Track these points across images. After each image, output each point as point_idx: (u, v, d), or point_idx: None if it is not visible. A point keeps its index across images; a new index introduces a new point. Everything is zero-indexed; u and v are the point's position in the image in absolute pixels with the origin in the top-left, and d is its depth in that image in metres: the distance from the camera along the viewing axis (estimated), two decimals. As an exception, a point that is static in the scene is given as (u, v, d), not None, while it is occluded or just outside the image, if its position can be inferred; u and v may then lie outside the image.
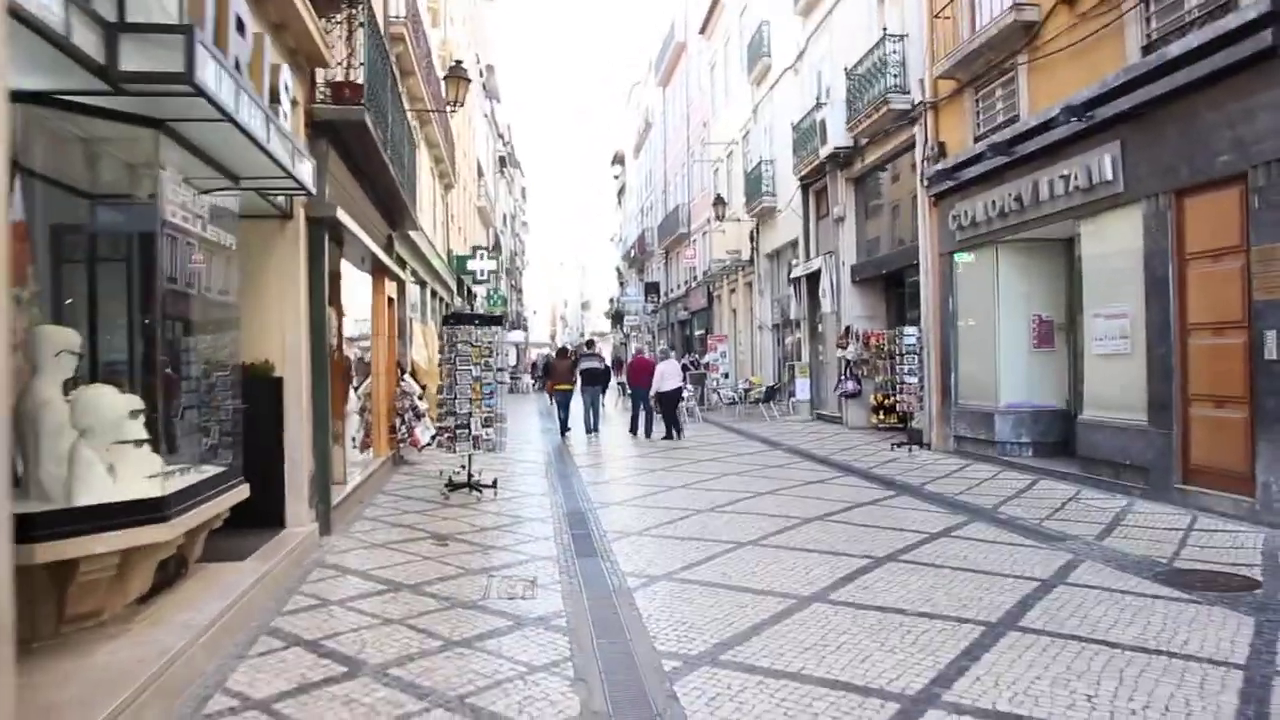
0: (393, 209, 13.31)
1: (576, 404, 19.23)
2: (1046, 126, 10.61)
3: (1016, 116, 11.70)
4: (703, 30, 34.15)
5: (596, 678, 4.55)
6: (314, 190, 6.99)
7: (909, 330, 14.49)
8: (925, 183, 14.11)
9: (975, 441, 12.91)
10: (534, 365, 44.05)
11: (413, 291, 19.12)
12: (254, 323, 7.49)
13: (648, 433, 18.13)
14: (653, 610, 5.74)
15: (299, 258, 7.72)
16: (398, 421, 13.60)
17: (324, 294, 8.26)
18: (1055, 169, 10.59)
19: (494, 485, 10.86)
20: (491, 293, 45.27)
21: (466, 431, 10.50)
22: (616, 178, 71.63)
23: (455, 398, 10.45)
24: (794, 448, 15.32)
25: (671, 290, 44.65)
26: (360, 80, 8.77)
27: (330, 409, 8.70)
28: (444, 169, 24.87)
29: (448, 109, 16.36)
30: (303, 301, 7.76)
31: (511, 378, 45.31)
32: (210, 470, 5.73)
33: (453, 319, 11.00)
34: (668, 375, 17.71)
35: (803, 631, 5.20)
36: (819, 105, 19.04)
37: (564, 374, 19.28)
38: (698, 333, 37.80)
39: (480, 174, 44.84)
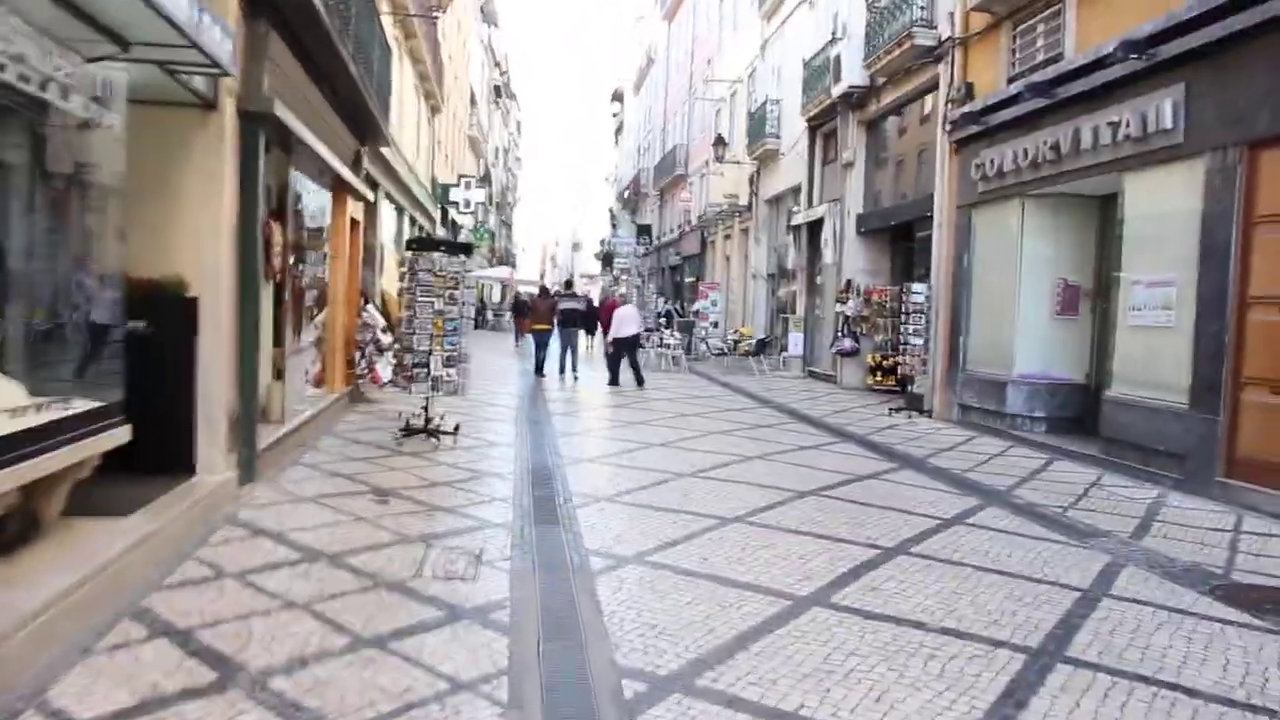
0: (360, 121, 12.02)
1: (555, 346, 18.50)
2: (1096, 66, 9.43)
3: (1060, 55, 10.48)
4: (713, -40, 32.41)
5: (536, 706, 3.53)
6: (232, 70, 5.76)
7: (917, 287, 13.40)
8: (948, 127, 12.89)
9: (982, 412, 11.90)
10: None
11: (387, 216, 17.86)
12: (164, 231, 6.33)
13: (613, 380, 17.03)
14: (617, 605, 4.71)
15: (224, 157, 6.51)
16: (357, 355, 12.48)
17: (257, 204, 7.06)
18: (1103, 114, 9.42)
19: (454, 432, 9.80)
20: (478, 225, 43.85)
21: (425, 371, 9.38)
22: (615, 115, 69.61)
23: (414, 333, 9.31)
24: (785, 406, 14.30)
25: (664, 234, 43.33)
26: (312, -47, 7.47)
27: (262, 336, 7.57)
28: (430, 89, 23.39)
29: (434, 13, 14.83)
30: (227, 209, 6.58)
31: (494, 314, 44.24)
32: (75, 406, 4.60)
33: (415, 244, 9.80)
34: (625, 320, 16.88)
35: (800, 647, 4.18)
36: (834, 41, 17.68)
37: (543, 314, 18.66)
38: (689, 280, 36.62)
39: (473, 102, 43.10)
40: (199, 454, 6.40)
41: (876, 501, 7.47)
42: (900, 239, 16.63)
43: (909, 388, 14.21)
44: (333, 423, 10.57)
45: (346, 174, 10.46)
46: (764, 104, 23.40)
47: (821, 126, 19.36)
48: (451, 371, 9.55)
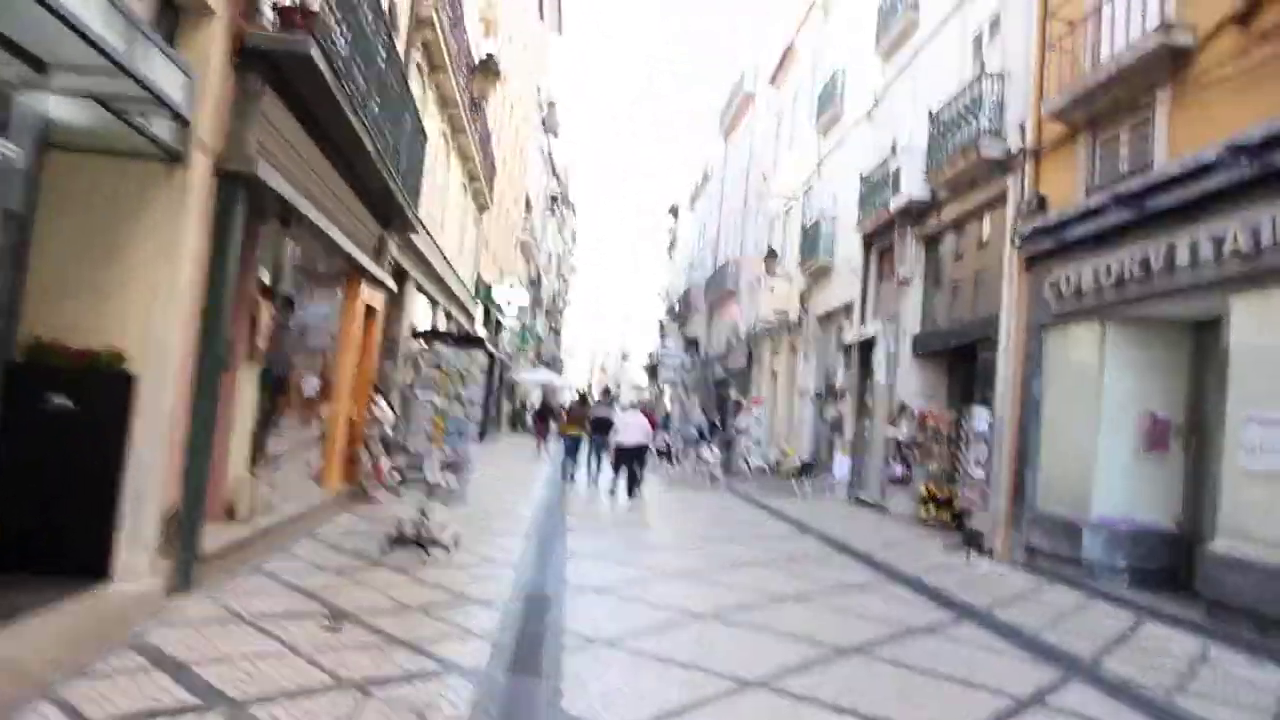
0: (385, 206, 11.35)
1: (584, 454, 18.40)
2: (1194, 175, 8.38)
3: (1148, 164, 9.47)
4: (773, 80, 32.45)
5: None
6: (185, 113, 4.98)
7: (980, 412, 12.13)
8: (1017, 242, 11.86)
9: (1053, 557, 10.45)
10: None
11: (419, 309, 17.19)
12: (111, 297, 5.48)
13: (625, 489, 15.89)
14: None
15: (188, 218, 5.66)
16: (363, 452, 11.52)
17: (228, 275, 6.19)
18: (1203, 228, 8.32)
19: (449, 546, 8.66)
20: (524, 327, 43.52)
21: (419, 475, 8.33)
22: (670, 230, 70.07)
23: (409, 430, 8.31)
24: (828, 535, 12.92)
25: (712, 348, 42.49)
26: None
27: (238, 424, 6.62)
28: (478, 187, 23.11)
29: (471, 104, 14.39)
30: (186, 278, 5.70)
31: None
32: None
33: (423, 335, 8.90)
34: (629, 428, 15.97)
35: None
36: (894, 153, 16.93)
37: (578, 419, 18.87)
38: (734, 396, 35.46)
39: (529, 207, 43.40)
40: (118, 556, 5.35)
41: (932, 666, 6.12)
42: (959, 362, 15.43)
43: (966, 523, 12.78)
44: (319, 524, 9.50)
45: (356, 254, 9.69)
46: (818, 221, 22.69)
47: (877, 242, 18.48)
48: (451, 478, 8.48)
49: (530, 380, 43.02)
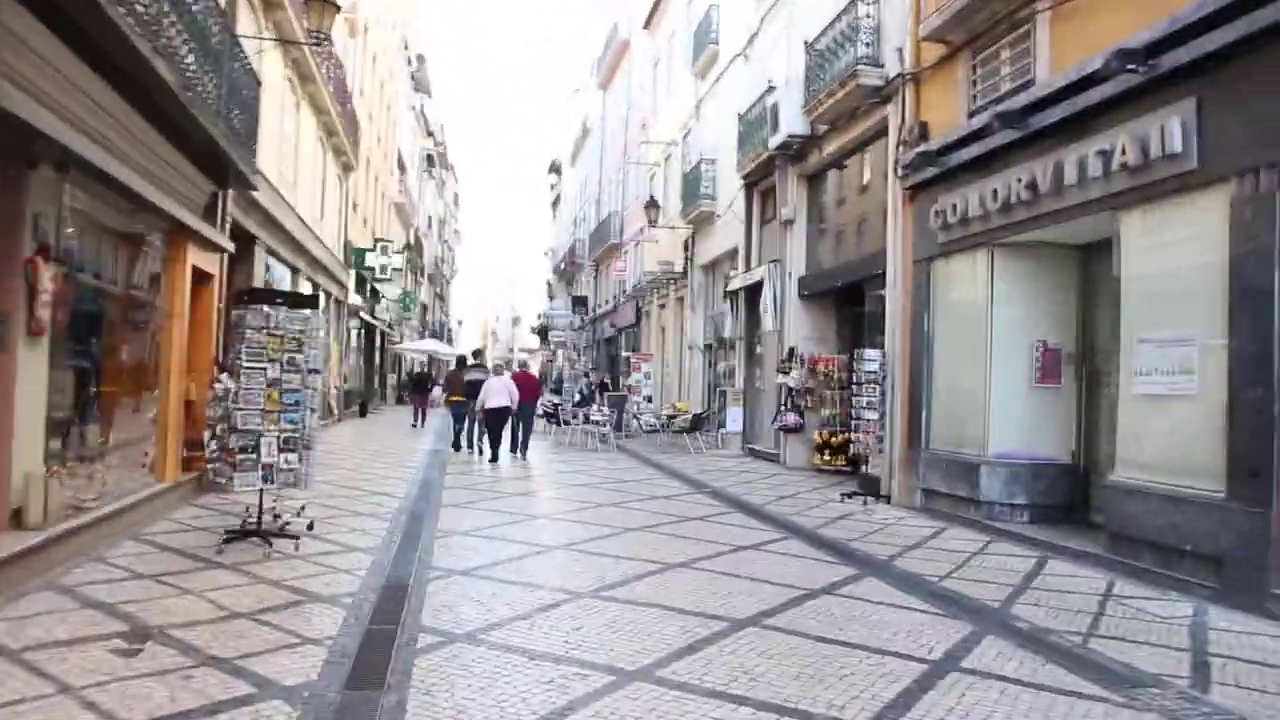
0: (213, 157, 10.04)
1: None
2: (1078, 87, 7.92)
3: (1030, 81, 9.00)
4: (647, 24, 31.49)
5: None
6: None
7: (870, 355, 11.69)
8: (900, 172, 11.37)
9: (952, 499, 10.10)
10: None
11: (274, 274, 15.79)
12: None
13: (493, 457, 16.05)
14: None
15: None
16: (206, 435, 10.27)
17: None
18: (1090, 143, 7.88)
19: (297, 536, 7.67)
20: (405, 294, 41.83)
21: (253, 458, 7.28)
22: (553, 187, 68.62)
23: (239, 407, 7.22)
24: (722, 492, 12.37)
25: (600, 305, 41.69)
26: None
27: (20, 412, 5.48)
28: (339, 144, 21.55)
29: (316, 45, 13.05)
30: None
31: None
32: None
33: (246, 296, 7.77)
34: (494, 392, 15.87)
35: None
36: (770, 90, 16.28)
37: (458, 386, 18.11)
38: (625, 354, 34.82)
39: (403, 169, 41.48)
40: None
41: (837, 635, 5.51)
42: (848, 302, 15.04)
43: (863, 468, 12.42)
44: (151, 521, 8.35)
45: (173, 209, 8.44)
46: (698, 164, 21.99)
47: (759, 184, 17.90)
48: (291, 458, 7.45)
49: (416, 350, 41.41)
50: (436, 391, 28.22)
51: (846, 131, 13.75)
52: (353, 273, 26.06)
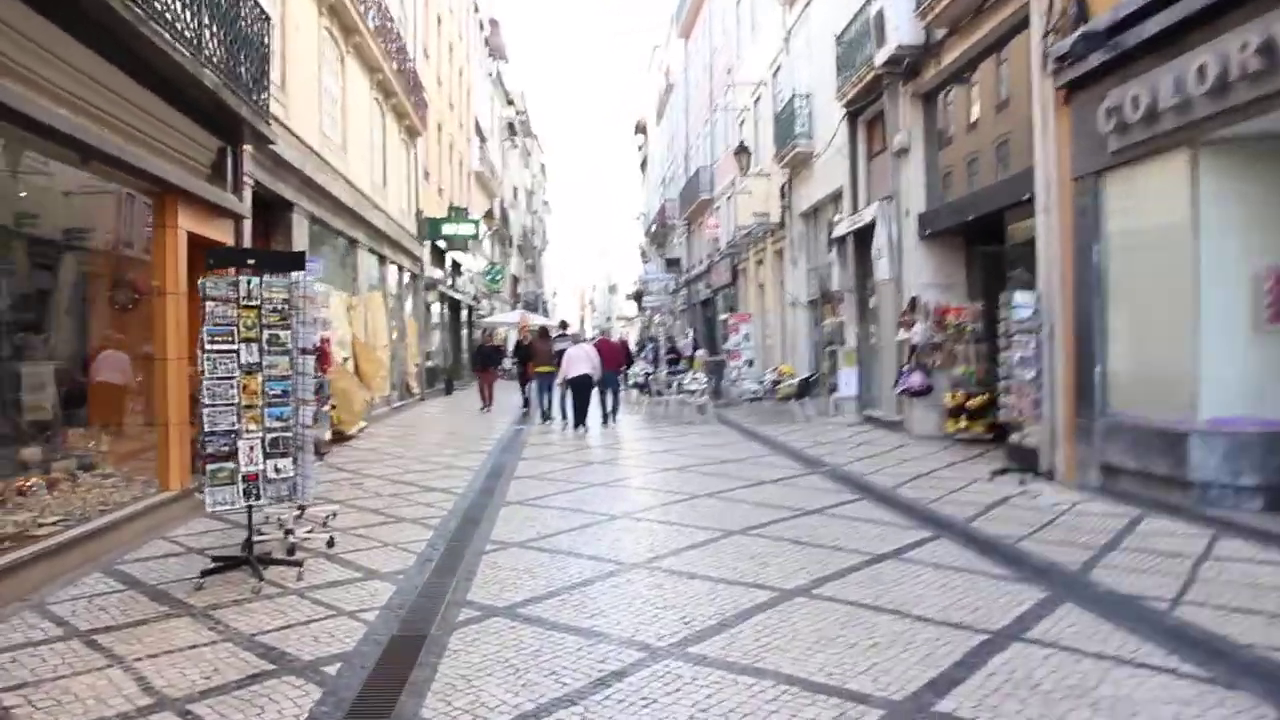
0: (212, 106, 8.43)
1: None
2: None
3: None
4: (727, -40, 29.01)
5: None
6: None
7: (1022, 298, 9.42)
8: (1051, 67, 9.00)
9: (1143, 478, 7.83)
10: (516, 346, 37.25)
11: (324, 249, 14.33)
12: None
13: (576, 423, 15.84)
14: None
15: None
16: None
17: None
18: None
19: (300, 563, 6.01)
20: (492, 265, 40.60)
21: (230, 467, 5.60)
22: (640, 149, 66.46)
23: (208, 402, 5.55)
24: (841, 472, 10.32)
25: (694, 266, 39.60)
26: None
27: None
28: (399, 105, 20.00)
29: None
30: None
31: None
32: None
33: (216, 260, 6.05)
34: (574, 360, 15.72)
35: None
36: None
37: (545, 356, 17.56)
38: (721, 316, 32.66)
39: (482, 137, 40.09)
40: None
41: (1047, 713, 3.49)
42: (980, 240, 12.68)
43: (1011, 437, 10.19)
44: (138, 542, 6.83)
45: (150, 164, 6.82)
46: (791, 100, 19.66)
47: (864, 112, 15.55)
48: (283, 464, 5.76)
49: (503, 323, 40.13)
50: (506, 363, 26.36)
51: (971, 33, 11.35)
52: (427, 245, 24.67)
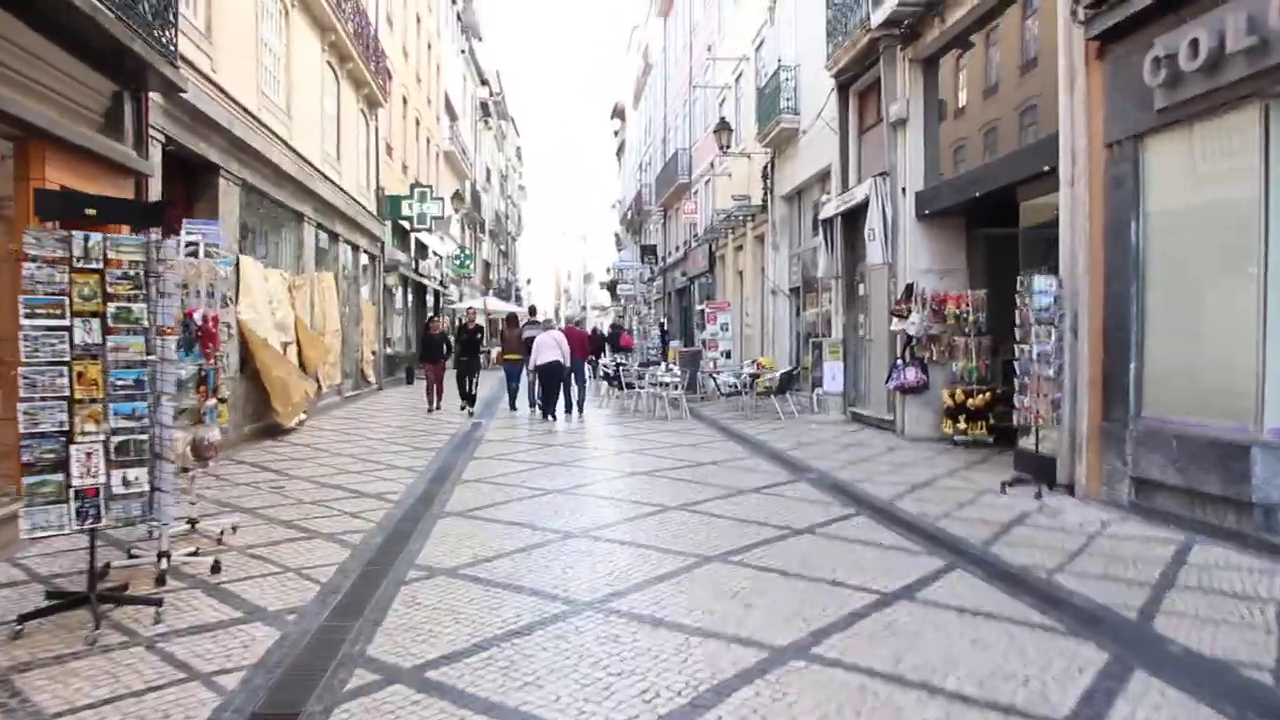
0: (101, 42, 7.05)
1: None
2: None
3: None
4: (709, -71, 27.67)
5: None
6: None
7: (1042, 284, 8.24)
8: (1083, 14, 7.80)
9: (1189, 496, 6.68)
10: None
11: (250, 219, 12.97)
12: None
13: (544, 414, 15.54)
14: None
15: None
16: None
17: None
18: None
19: (160, 602, 4.73)
20: (462, 250, 39.17)
21: (57, 480, 4.29)
22: (616, 134, 65.05)
23: (24, 396, 4.23)
24: (832, 479, 9.13)
25: (670, 253, 38.33)
26: None
27: None
28: (355, 72, 18.56)
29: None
30: None
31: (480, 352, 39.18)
32: None
33: (41, 205, 4.70)
34: (543, 347, 15.27)
35: None
36: (870, -45, 12.66)
37: (514, 343, 17.02)
38: (699, 306, 31.42)
39: (453, 116, 38.57)
40: None
41: None
42: (984, 221, 11.54)
43: (1024, 442, 9.04)
44: (-26, 570, 5.52)
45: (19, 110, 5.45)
46: (776, 73, 18.41)
47: (856, 82, 14.32)
48: (135, 475, 4.46)
49: (462, 309, 38.68)
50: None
51: (982, -14, 10.17)
52: (389, 225, 23.23)
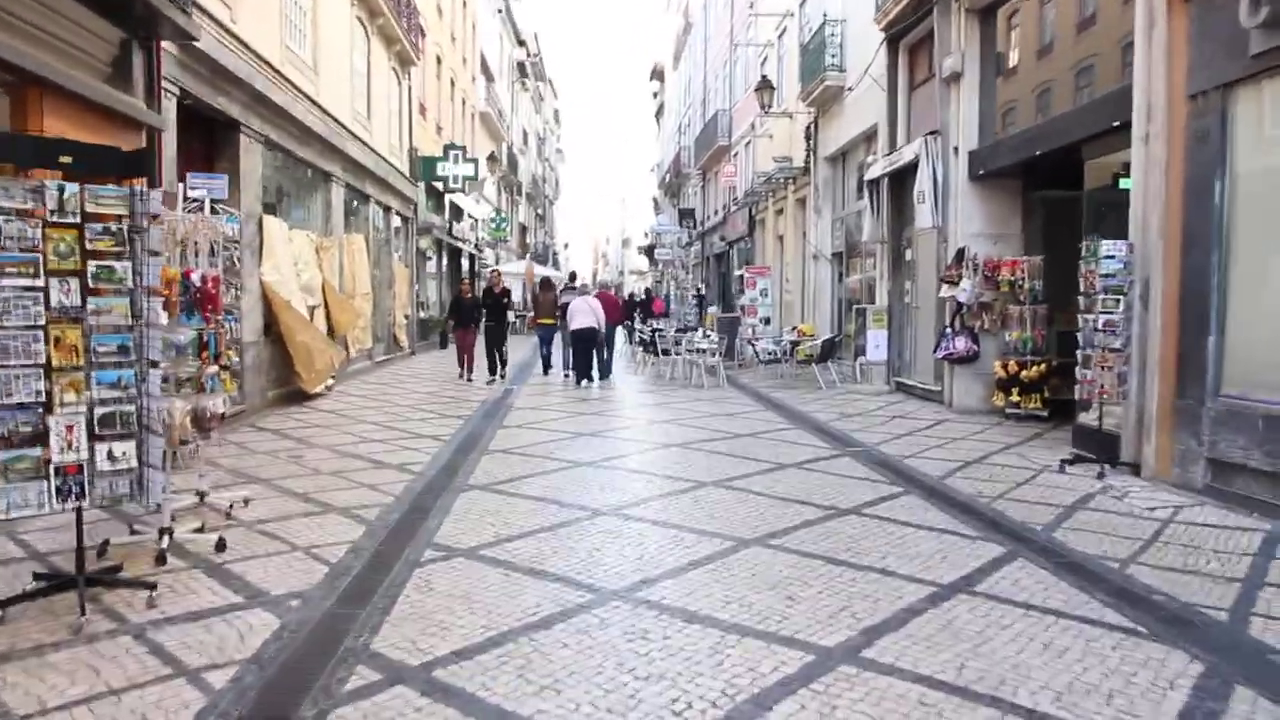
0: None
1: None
2: None
3: None
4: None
5: None
6: None
7: (1111, 247, 7.63)
8: (1165, -46, 7.10)
9: (1272, 479, 6.11)
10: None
11: (289, 182, 12.63)
12: None
13: (580, 377, 15.45)
14: None
15: None
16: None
17: None
18: None
19: (154, 587, 4.39)
20: (498, 213, 38.75)
21: (34, 455, 3.94)
22: (655, 95, 64.01)
23: (8, 363, 3.87)
24: (877, 454, 8.63)
25: (709, 217, 37.64)
26: None
27: None
28: (386, 28, 18.09)
29: None
30: None
31: (517, 316, 38.83)
32: None
33: (6, 149, 4.30)
34: (577, 313, 15.18)
35: None
36: (925, -102, 11.90)
37: (547, 308, 16.81)
38: (737, 271, 30.75)
39: (489, 77, 38.02)
40: None
41: None
42: (1041, 183, 10.87)
43: (1083, 417, 8.48)
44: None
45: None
46: (821, 27, 17.64)
47: (906, 35, 13.60)
48: (122, 449, 4.10)
49: (509, 272, 38.35)
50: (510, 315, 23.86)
51: (1050, -73, 9.43)
52: (422, 186, 22.86)
